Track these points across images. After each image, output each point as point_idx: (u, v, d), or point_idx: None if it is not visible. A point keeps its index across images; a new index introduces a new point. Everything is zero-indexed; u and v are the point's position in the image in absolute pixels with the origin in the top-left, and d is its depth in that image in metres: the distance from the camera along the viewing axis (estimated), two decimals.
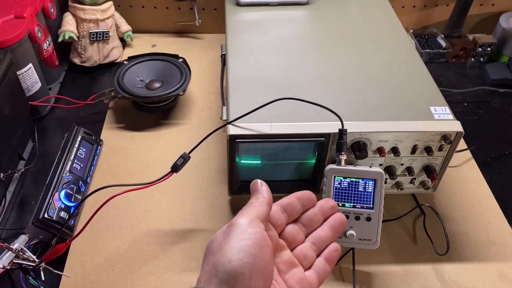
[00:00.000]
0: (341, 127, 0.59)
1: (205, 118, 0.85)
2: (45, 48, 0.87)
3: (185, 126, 0.84)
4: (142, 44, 1.03)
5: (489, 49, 1.01)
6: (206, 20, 1.04)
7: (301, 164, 0.66)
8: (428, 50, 1.02)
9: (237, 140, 0.60)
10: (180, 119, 0.85)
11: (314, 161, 0.65)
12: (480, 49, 1.02)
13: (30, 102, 0.81)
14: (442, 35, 1.05)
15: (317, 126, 0.61)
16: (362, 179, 0.59)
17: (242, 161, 0.65)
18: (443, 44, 1.03)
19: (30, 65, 0.80)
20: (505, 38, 1.00)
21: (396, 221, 0.69)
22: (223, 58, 0.83)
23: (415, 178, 0.67)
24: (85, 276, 0.61)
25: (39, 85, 0.83)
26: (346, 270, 0.63)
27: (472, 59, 1.03)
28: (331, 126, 0.61)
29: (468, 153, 0.80)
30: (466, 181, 0.76)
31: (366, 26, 0.81)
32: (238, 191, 0.68)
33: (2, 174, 0.68)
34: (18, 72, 0.77)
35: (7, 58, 0.70)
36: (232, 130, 0.60)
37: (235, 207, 0.70)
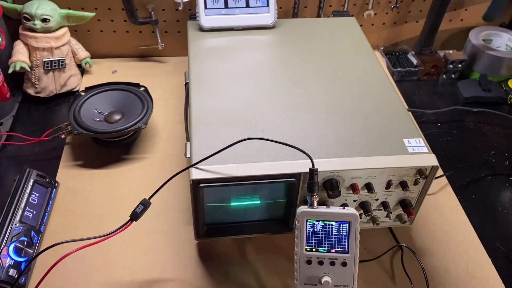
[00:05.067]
0: (311, 167, 0.56)
1: (170, 151, 0.80)
2: None
3: (149, 160, 0.79)
4: (102, 70, 0.97)
5: (460, 65, 1.00)
6: (170, 43, 0.99)
7: (271, 204, 0.62)
8: (399, 69, 0.99)
9: (201, 184, 0.56)
10: (142, 153, 0.80)
11: (285, 200, 0.62)
12: (451, 66, 1.00)
13: None
14: (413, 52, 1.03)
15: (287, 166, 0.57)
16: (336, 222, 0.56)
17: (208, 205, 0.60)
18: (414, 61, 1.01)
19: None
20: (475, 54, 0.99)
21: (375, 261, 0.66)
22: (187, 87, 0.79)
23: (391, 212, 0.64)
24: None
25: None
26: None
27: (444, 76, 1.02)
28: (301, 165, 0.57)
29: (444, 179, 0.78)
30: (443, 209, 0.73)
31: (334, 51, 0.78)
32: (206, 235, 0.63)
33: None
34: None
35: None
36: (195, 174, 0.56)
37: (203, 252, 0.66)
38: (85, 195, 0.72)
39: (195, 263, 0.64)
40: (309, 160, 0.56)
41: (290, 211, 0.62)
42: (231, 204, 0.61)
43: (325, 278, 0.56)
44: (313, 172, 0.56)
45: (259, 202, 0.62)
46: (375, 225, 0.65)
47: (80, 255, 0.63)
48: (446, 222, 0.71)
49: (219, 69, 0.73)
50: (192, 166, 0.57)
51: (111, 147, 0.80)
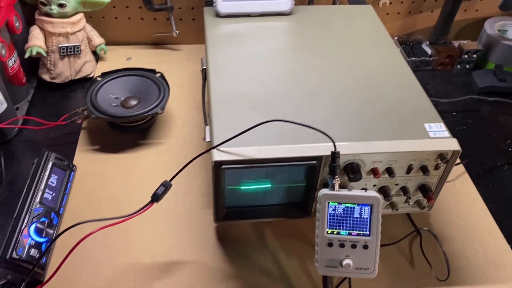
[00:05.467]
0: (333, 150, 0.56)
1: (186, 137, 0.80)
2: (11, 65, 0.80)
3: (165, 146, 0.79)
4: (116, 57, 0.97)
5: (475, 56, 1.00)
6: (184, 31, 0.99)
7: (291, 188, 0.62)
8: (414, 58, 0.99)
9: (223, 166, 0.56)
10: (159, 139, 0.80)
11: (305, 184, 0.62)
12: (466, 56, 1.00)
13: None
14: (427, 42, 1.02)
15: (308, 149, 0.57)
16: (358, 204, 0.55)
17: (228, 187, 0.60)
18: (429, 51, 1.01)
19: None
20: (490, 44, 0.99)
21: (393, 245, 0.66)
22: (204, 73, 0.79)
23: (410, 198, 0.64)
24: None
25: (4, 106, 0.77)
26: None
27: (458, 66, 1.01)
28: (323, 148, 0.57)
29: (461, 167, 0.78)
30: (460, 197, 0.73)
31: (352, 37, 0.77)
32: (225, 218, 0.63)
33: None
34: None
35: None
36: (217, 155, 0.56)
37: (222, 235, 0.66)
38: (102, 179, 0.73)
39: (213, 246, 0.64)
40: (330, 144, 0.56)
41: (309, 195, 0.62)
42: (251, 187, 0.61)
43: (346, 261, 0.55)
44: (335, 154, 0.56)
45: (279, 185, 0.62)
46: (394, 210, 0.65)
47: (100, 237, 0.63)
48: (464, 209, 0.71)
49: (236, 54, 0.72)
50: (214, 148, 0.57)
51: (127, 132, 0.80)
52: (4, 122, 0.77)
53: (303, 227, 0.67)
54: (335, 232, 0.56)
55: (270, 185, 0.61)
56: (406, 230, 0.67)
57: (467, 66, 1.01)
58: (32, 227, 0.60)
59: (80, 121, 0.80)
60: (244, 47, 0.74)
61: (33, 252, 0.58)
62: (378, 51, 0.74)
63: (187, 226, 0.67)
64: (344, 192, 0.56)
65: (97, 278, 0.60)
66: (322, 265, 0.56)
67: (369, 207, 0.55)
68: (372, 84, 0.67)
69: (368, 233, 0.55)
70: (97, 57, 0.97)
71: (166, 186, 0.59)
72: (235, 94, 0.65)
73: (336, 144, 0.56)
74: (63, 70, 0.89)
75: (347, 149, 0.57)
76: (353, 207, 0.56)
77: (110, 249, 0.63)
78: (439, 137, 0.59)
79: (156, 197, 0.58)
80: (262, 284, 0.61)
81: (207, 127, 0.66)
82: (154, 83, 0.81)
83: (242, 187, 0.61)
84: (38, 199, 0.63)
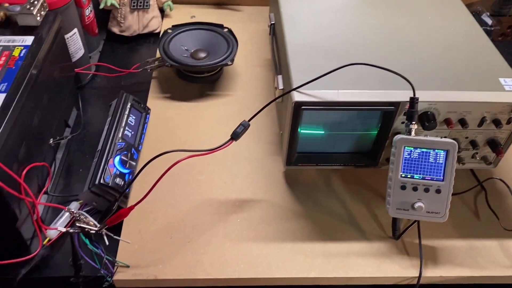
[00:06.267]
0: (412, 95, 0.57)
1: (252, 90, 0.83)
2: (87, 14, 0.84)
3: (232, 97, 0.82)
4: (181, 15, 1.00)
5: None
6: None
7: (362, 136, 0.64)
8: None
9: (302, 107, 0.58)
10: (225, 90, 0.83)
11: (376, 132, 0.63)
12: None
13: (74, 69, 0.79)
14: (487, 13, 1.02)
15: (387, 94, 0.59)
16: (434, 149, 0.57)
17: (303, 131, 0.63)
18: (489, 22, 1.00)
19: (75, 30, 0.78)
20: None
21: (456, 196, 0.67)
22: (272, 28, 0.81)
23: (477, 153, 0.65)
24: (143, 244, 0.60)
25: (82, 51, 0.81)
26: (410, 244, 0.61)
27: None
28: (401, 94, 0.58)
29: None
30: None
31: None
32: (296, 162, 0.66)
33: (52, 139, 0.67)
34: (65, 36, 0.75)
35: (58, 20, 0.68)
36: (297, 96, 0.58)
37: (290, 180, 0.68)
38: (175, 123, 0.76)
39: (283, 188, 0.67)
40: (408, 91, 0.58)
41: (380, 145, 0.64)
42: (324, 132, 0.63)
43: (418, 204, 0.57)
44: (414, 100, 0.57)
45: (351, 133, 0.64)
46: (461, 164, 0.66)
47: (176, 174, 0.67)
48: None
49: (309, 9, 0.74)
50: (294, 89, 0.59)
51: (196, 82, 0.83)
52: (80, 67, 0.81)
53: (369, 177, 0.69)
54: (409, 176, 0.58)
55: (342, 132, 0.63)
56: (470, 184, 0.68)
57: None
58: (117, 158, 0.64)
59: (151, 70, 0.83)
60: (315, 1, 0.76)
61: (118, 181, 0.62)
62: (450, 13, 0.75)
63: (257, 169, 0.70)
64: (420, 137, 0.57)
65: (174, 209, 0.64)
66: (393, 208, 0.58)
67: (445, 152, 0.57)
68: (445, 40, 0.68)
69: (441, 178, 0.57)
70: (162, 14, 1.00)
71: (245, 125, 0.61)
72: (309, 44, 0.67)
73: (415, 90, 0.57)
74: (132, 24, 0.93)
75: (424, 96, 0.58)
76: (429, 152, 0.57)
77: (186, 185, 0.67)
78: None
79: (236, 135, 0.61)
80: (331, 224, 0.63)
81: (279, 76, 0.68)
82: (223, 37, 0.84)
83: (316, 131, 0.63)
84: (120, 135, 0.67)
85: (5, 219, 0.55)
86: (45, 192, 0.64)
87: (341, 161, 0.67)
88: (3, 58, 0.60)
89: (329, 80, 0.60)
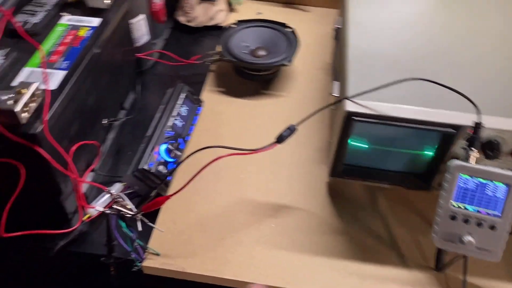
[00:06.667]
0: (477, 120, 0.53)
1: (307, 93, 0.81)
2: (155, 1, 0.86)
3: (286, 98, 0.80)
4: (248, 10, 1.00)
5: None
6: None
7: (417, 156, 0.60)
8: None
9: (353, 117, 0.55)
10: (280, 91, 0.82)
11: (432, 154, 0.59)
12: None
13: (136, 54, 0.81)
14: None
15: (448, 116, 0.54)
16: (493, 182, 0.52)
17: (352, 142, 0.60)
18: None
19: (142, 16, 0.79)
20: None
21: None
22: (337, 31, 0.78)
23: None
24: (176, 234, 0.60)
25: (146, 37, 0.83)
26: (453, 279, 0.57)
27: None
28: (464, 118, 0.54)
29: None
30: None
31: (501, 8, 0.71)
32: (341, 174, 0.63)
33: (106, 120, 0.69)
34: (130, 21, 0.77)
35: (125, 5, 0.70)
36: (350, 106, 0.56)
37: (333, 192, 0.66)
38: (225, 118, 0.76)
39: (324, 199, 0.65)
40: (472, 114, 0.53)
41: (435, 167, 0.59)
42: (376, 146, 0.60)
43: (469, 238, 0.53)
44: (478, 125, 0.53)
45: (405, 151, 0.60)
46: None
47: (218, 170, 0.66)
48: None
49: (377, 16, 0.70)
50: (347, 98, 0.56)
51: (252, 80, 0.82)
52: (143, 53, 0.83)
53: (419, 201, 0.65)
54: (461, 206, 0.53)
55: (395, 148, 0.60)
56: None
57: None
58: (163, 147, 0.65)
59: (210, 62, 0.84)
60: (385, 9, 0.72)
61: (161, 168, 0.63)
62: None
63: (300, 176, 0.68)
64: (480, 166, 0.52)
65: (211, 204, 0.63)
66: (440, 237, 0.54)
67: (506, 187, 0.52)
68: None
69: (499, 214, 0.52)
70: (230, 8, 1.00)
71: (291, 129, 0.59)
72: (373, 52, 0.63)
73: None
74: (199, 15, 0.94)
75: (490, 123, 0.53)
76: (487, 184, 0.52)
77: (226, 182, 0.66)
78: None
79: (281, 138, 0.59)
80: (370, 244, 0.60)
81: (337, 82, 0.65)
82: (285, 36, 0.82)
83: (366, 145, 0.60)
84: (169, 124, 0.68)
85: (50, 192, 0.57)
86: (93, 170, 0.66)
87: (390, 180, 0.63)
88: (70, 37, 0.62)
89: (387, 92, 0.56)
